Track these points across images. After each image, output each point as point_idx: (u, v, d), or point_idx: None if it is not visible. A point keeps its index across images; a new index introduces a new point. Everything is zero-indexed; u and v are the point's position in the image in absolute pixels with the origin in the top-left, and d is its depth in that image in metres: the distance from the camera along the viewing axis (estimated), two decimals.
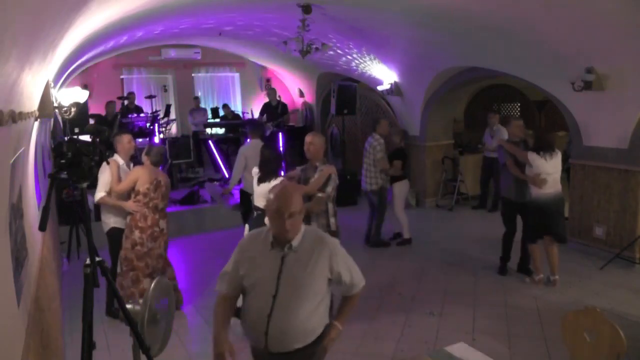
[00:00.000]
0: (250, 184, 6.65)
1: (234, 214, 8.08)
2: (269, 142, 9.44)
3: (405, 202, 6.99)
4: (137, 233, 4.52)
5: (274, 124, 10.12)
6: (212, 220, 7.78)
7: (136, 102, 10.57)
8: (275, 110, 10.46)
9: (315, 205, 4.17)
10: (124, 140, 4.73)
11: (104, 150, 2.34)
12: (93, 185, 7.80)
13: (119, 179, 4.56)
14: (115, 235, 4.65)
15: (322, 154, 4.47)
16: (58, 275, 5.14)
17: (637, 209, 5.64)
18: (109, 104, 9.29)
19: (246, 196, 6.79)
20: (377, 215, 6.69)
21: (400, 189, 6.74)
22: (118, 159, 4.69)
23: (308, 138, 4.43)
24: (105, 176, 4.53)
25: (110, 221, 4.67)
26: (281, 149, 9.38)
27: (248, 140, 6.72)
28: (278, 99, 10.74)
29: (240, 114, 11.61)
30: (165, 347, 2.67)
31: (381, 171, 6.48)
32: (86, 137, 2.53)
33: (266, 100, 10.93)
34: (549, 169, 5.04)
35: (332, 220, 4.36)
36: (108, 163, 4.50)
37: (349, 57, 8.54)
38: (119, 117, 8.75)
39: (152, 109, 9.88)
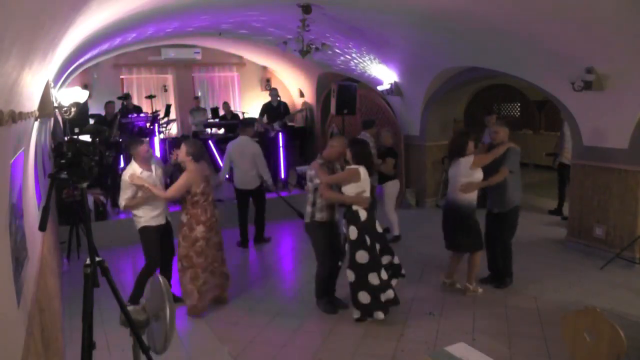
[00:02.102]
0: (239, 180, 6.76)
1: (230, 215, 8.11)
2: (271, 142, 9.47)
3: (403, 202, 7.00)
4: (200, 228, 4.57)
5: (280, 124, 10.09)
6: None
7: (136, 102, 10.57)
8: (277, 110, 10.43)
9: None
10: (142, 151, 4.65)
11: (103, 150, 2.34)
12: (93, 185, 7.88)
13: (155, 186, 4.57)
14: (146, 234, 4.68)
15: (338, 156, 4.64)
16: (58, 275, 5.14)
17: (637, 209, 5.64)
18: (108, 104, 9.28)
19: (238, 193, 6.87)
20: None
21: (393, 189, 6.84)
22: (136, 168, 4.60)
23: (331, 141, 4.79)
24: (127, 191, 4.54)
25: (141, 220, 4.67)
26: (281, 149, 9.37)
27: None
28: (279, 99, 10.73)
29: (240, 115, 11.61)
30: (168, 345, 2.66)
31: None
32: (86, 137, 2.53)
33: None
34: (449, 174, 5.01)
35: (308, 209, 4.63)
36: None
37: (348, 57, 8.55)
38: (118, 117, 8.75)
39: (152, 109, 9.88)
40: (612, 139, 5.76)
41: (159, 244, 4.75)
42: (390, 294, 4.42)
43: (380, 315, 4.35)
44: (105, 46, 6.92)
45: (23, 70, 1.92)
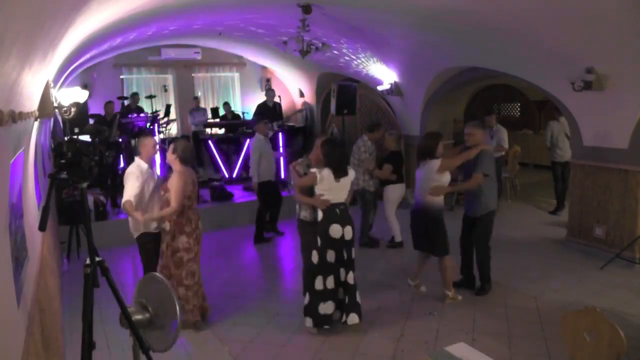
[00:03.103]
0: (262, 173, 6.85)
1: (231, 215, 8.13)
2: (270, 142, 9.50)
3: (402, 202, 6.90)
4: (183, 238, 4.25)
5: (278, 125, 10.11)
6: (211, 221, 7.78)
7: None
8: (273, 111, 10.44)
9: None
10: (149, 144, 4.42)
11: (103, 150, 2.34)
12: (93, 185, 7.88)
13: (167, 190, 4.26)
14: (147, 241, 4.42)
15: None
16: (58, 275, 5.14)
17: (637, 209, 5.64)
18: (108, 104, 9.25)
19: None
20: (361, 217, 6.65)
21: (391, 193, 6.59)
22: (141, 163, 4.38)
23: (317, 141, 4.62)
24: (132, 183, 4.23)
25: (141, 226, 4.36)
26: (281, 149, 9.38)
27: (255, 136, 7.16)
28: (275, 100, 10.74)
29: (241, 114, 11.62)
30: (172, 345, 2.66)
31: (364, 172, 6.47)
32: (86, 137, 2.53)
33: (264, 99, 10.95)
34: (416, 176, 4.90)
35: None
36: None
37: (348, 57, 8.54)
38: (118, 117, 8.75)
39: (152, 109, 9.88)
40: (612, 139, 5.76)
41: (157, 253, 4.47)
42: (329, 308, 4.26)
43: (308, 322, 4.30)
44: (105, 46, 6.92)
45: (23, 70, 1.92)
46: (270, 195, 7.12)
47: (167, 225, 4.29)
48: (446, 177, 4.77)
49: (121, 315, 2.50)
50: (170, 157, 4.33)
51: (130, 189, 4.22)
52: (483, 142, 4.88)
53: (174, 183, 4.19)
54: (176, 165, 4.31)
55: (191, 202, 4.34)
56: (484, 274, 5.12)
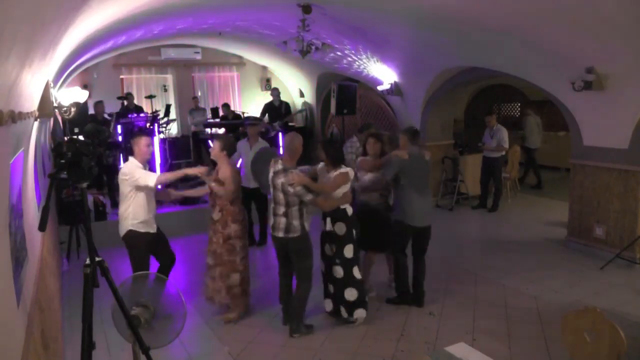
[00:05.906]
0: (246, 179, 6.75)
1: None
2: (271, 142, 9.49)
3: None
4: (236, 226, 4.44)
5: (280, 124, 10.10)
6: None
7: (136, 102, 10.55)
8: (279, 110, 10.44)
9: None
10: (142, 143, 4.34)
11: (103, 151, 2.34)
12: (93, 185, 7.87)
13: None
14: (134, 239, 4.30)
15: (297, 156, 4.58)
16: (58, 275, 5.13)
17: (637, 209, 5.64)
18: (98, 104, 9.09)
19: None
20: None
21: None
22: (136, 162, 4.35)
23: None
24: (140, 170, 4.27)
25: (128, 223, 4.28)
26: (282, 149, 9.39)
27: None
28: (280, 99, 10.75)
29: (241, 114, 11.61)
30: (173, 338, 2.66)
31: None
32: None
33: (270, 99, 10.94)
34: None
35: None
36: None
37: (348, 57, 8.54)
38: (114, 117, 8.70)
39: (152, 109, 9.86)
40: (612, 139, 5.76)
41: (147, 255, 4.41)
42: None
43: (363, 313, 4.42)
44: (101, 47, 6.91)
45: (23, 70, 1.92)
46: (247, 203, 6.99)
47: (216, 215, 4.49)
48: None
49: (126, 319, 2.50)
50: (219, 153, 4.50)
51: (144, 173, 4.28)
52: (403, 150, 4.76)
53: (227, 170, 4.42)
54: (225, 160, 4.51)
55: (239, 193, 4.52)
56: (397, 282, 4.90)
